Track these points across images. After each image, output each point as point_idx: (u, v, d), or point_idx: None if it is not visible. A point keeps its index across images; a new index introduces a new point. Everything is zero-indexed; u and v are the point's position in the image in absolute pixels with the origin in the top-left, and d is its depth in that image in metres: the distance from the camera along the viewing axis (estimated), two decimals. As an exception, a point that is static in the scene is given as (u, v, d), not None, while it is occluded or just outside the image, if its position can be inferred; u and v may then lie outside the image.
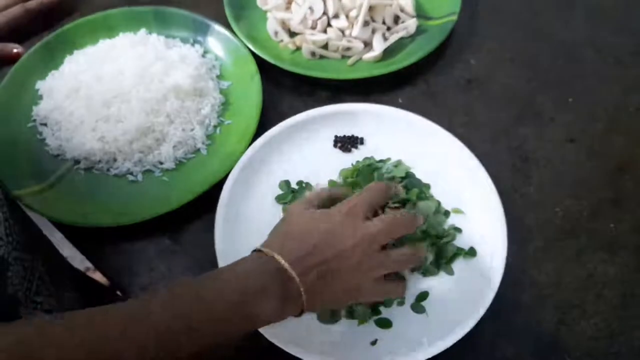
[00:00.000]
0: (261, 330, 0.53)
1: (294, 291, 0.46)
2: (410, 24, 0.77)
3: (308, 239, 0.48)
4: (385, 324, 0.56)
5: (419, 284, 0.58)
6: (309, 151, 0.67)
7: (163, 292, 0.44)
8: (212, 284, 0.45)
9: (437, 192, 0.64)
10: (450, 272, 0.58)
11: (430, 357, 0.52)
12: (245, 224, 0.61)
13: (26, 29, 0.77)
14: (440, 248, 0.59)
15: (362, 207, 0.50)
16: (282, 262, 0.46)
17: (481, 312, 0.54)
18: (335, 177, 0.65)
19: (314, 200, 0.54)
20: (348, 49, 0.75)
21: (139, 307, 0.43)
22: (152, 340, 0.40)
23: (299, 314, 0.48)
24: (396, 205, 0.57)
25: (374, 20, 0.77)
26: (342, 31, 0.77)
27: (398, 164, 0.65)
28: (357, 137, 0.68)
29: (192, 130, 0.69)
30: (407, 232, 0.52)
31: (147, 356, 0.40)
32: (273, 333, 0.53)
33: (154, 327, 0.41)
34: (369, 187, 0.54)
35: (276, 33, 0.78)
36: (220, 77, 0.75)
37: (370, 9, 0.76)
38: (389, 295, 0.54)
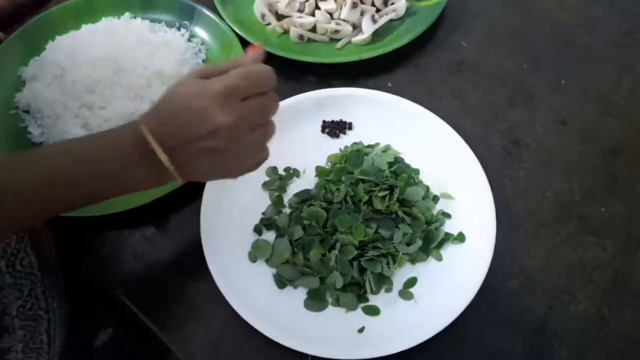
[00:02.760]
0: (246, 317, 0.52)
1: (157, 163, 0.45)
2: (400, 6, 0.75)
3: (180, 116, 0.45)
4: (372, 311, 0.55)
5: (407, 270, 0.57)
6: (296, 137, 0.66)
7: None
8: (83, 147, 0.48)
9: (426, 177, 0.63)
10: (439, 258, 0.58)
11: (418, 343, 0.52)
12: (232, 211, 0.60)
13: (10, 18, 0.76)
14: (428, 233, 0.58)
15: (242, 92, 0.47)
16: (148, 136, 0.45)
17: (470, 298, 0.53)
18: (323, 162, 0.64)
19: (208, 71, 0.49)
20: (336, 31, 0.74)
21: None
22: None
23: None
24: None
25: (362, 2, 0.75)
26: (331, 14, 0.75)
27: (387, 149, 0.64)
28: (345, 122, 0.67)
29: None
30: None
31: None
32: (258, 320, 0.53)
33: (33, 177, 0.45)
34: (255, 72, 0.48)
35: (263, 16, 0.76)
36: (206, 61, 0.73)
37: (359, -10, 0.74)
38: (266, 136, 0.49)
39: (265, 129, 0.49)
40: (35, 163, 0.46)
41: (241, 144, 0.47)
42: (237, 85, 0.46)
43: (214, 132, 0.45)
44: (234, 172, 0.50)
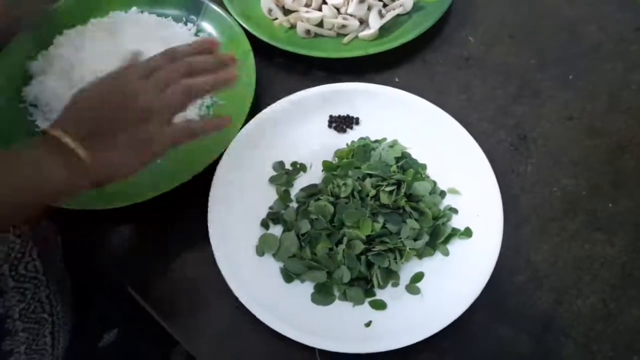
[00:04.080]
0: (253, 310, 0.53)
1: (72, 158, 0.45)
2: (407, 1, 0.75)
3: (87, 107, 0.47)
4: (379, 305, 0.55)
5: (414, 265, 0.57)
6: (303, 132, 0.66)
7: None
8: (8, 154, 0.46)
9: (433, 172, 0.63)
10: (446, 253, 0.58)
11: (424, 338, 0.52)
12: (239, 206, 0.60)
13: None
14: (435, 229, 0.58)
15: (158, 70, 0.50)
16: (59, 134, 0.45)
17: (476, 293, 0.53)
18: (330, 157, 0.64)
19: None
20: (343, 26, 0.74)
21: None
22: None
23: (94, 186, 0.47)
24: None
25: (369, -3, 0.75)
26: (338, 8, 0.75)
27: (394, 144, 0.64)
28: (352, 117, 0.67)
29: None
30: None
31: None
32: (265, 313, 0.53)
33: None
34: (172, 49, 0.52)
35: (270, 11, 0.76)
36: (213, 56, 0.73)
37: (366, -15, 0.74)
38: (182, 134, 0.51)
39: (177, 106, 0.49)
40: None
41: (151, 127, 0.48)
42: (155, 65, 0.49)
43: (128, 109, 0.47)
44: (143, 156, 0.49)
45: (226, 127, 0.54)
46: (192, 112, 0.67)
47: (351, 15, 0.74)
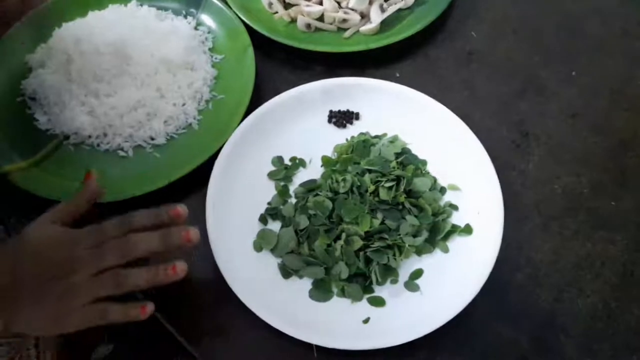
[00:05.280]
0: (251, 306, 0.52)
1: None
2: (409, -5, 0.74)
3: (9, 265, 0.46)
4: (378, 302, 0.55)
5: (413, 261, 0.57)
6: (302, 126, 0.65)
7: None
8: None
9: (433, 168, 0.62)
10: (445, 250, 0.57)
11: (423, 335, 0.51)
12: (237, 200, 0.60)
13: None
14: (435, 225, 0.58)
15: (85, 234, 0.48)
16: None
17: (476, 290, 0.53)
18: (329, 152, 0.64)
19: (57, 215, 0.50)
20: (344, 21, 0.73)
21: None
22: None
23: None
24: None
25: (371, -9, 0.74)
26: (339, 2, 0.74)
27: (394, 139, 0.64)
28: (352, 112, 0.66)
29: (183, 105, 0.67)
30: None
31: None
32: (262, 309, 0.52)
33: None
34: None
35: (270, 4, 0.76)
36: (212, 50, 0.73)
37: (368, -22, 0.73)
38: (106, 315, 0.47)
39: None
40: None
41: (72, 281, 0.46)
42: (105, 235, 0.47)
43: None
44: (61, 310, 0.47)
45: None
46: (191, 106, 0.67)
47: (352, 9, 0.73)
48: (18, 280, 0.46)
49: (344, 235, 0.56)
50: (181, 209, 0.50)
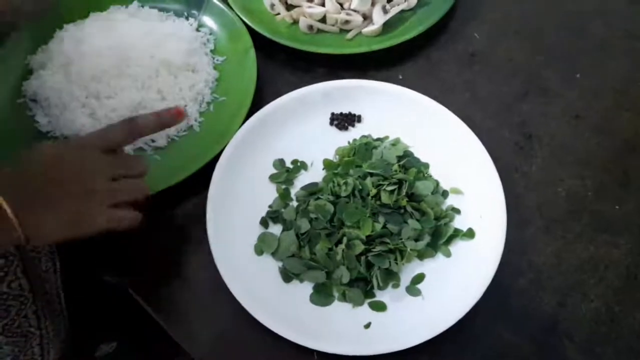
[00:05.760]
0: (251, 310, 0.52)
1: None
2: (412, -4, 0.74)
3: (30, 170, 0.47)
4: (379, 307, 0.54)
5: (415, 266, 0.57)
6: (304, 129, 0.65)
7: None
8: None
9: (436, 171, 0.62)
10: (448, 254, 0.57)
11: (425, 340, 0.51)
12: (238, 203, 0.60)
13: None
14: (437, 229, 0.57)
15: (95, 140, 0.50)
16: None
17: (478, 295, 0.52)
18: (331, 155, 0.64)
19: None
20: (347, 22, 0.73)
21: None
22: None
23: (23, 241, 0.46)
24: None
25: (373, -8, 0.74)
26: (341, 4, 0.74)
27: (396, 142, 0.63)
28: (354, 115, 0.66)
29: (184, 106, 0.67)
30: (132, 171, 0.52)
31: None
32: (263, 314, 0.52)
33: None
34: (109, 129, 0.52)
35: (272, 6, 0.75)
36: (214, 52, 0.72)
37: (370, -21, 0.73)
38: (122, 222, 0.51)
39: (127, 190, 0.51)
40: None
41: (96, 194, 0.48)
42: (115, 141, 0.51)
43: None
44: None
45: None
46: (193, 108, 0.67)
47: (355, 11, 0.73)
48: (39, 186, 0.47)
49: (345, 239, 0.55)
50: (181, 107, 0.55)
